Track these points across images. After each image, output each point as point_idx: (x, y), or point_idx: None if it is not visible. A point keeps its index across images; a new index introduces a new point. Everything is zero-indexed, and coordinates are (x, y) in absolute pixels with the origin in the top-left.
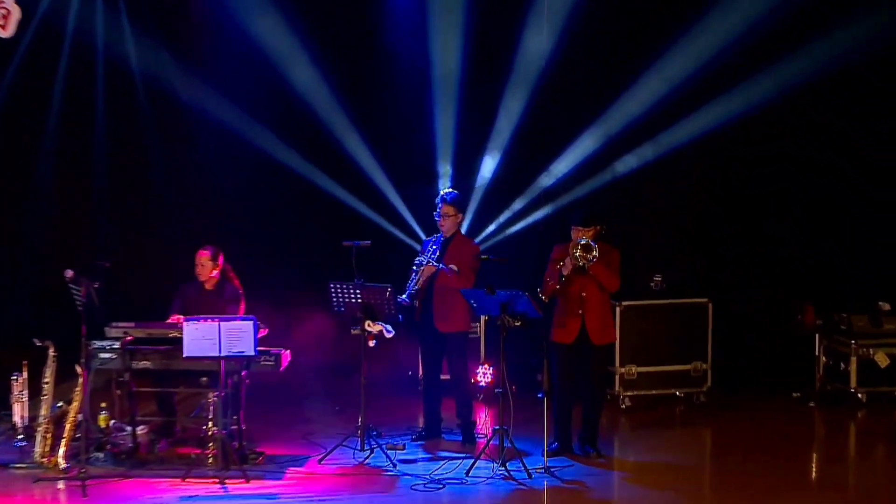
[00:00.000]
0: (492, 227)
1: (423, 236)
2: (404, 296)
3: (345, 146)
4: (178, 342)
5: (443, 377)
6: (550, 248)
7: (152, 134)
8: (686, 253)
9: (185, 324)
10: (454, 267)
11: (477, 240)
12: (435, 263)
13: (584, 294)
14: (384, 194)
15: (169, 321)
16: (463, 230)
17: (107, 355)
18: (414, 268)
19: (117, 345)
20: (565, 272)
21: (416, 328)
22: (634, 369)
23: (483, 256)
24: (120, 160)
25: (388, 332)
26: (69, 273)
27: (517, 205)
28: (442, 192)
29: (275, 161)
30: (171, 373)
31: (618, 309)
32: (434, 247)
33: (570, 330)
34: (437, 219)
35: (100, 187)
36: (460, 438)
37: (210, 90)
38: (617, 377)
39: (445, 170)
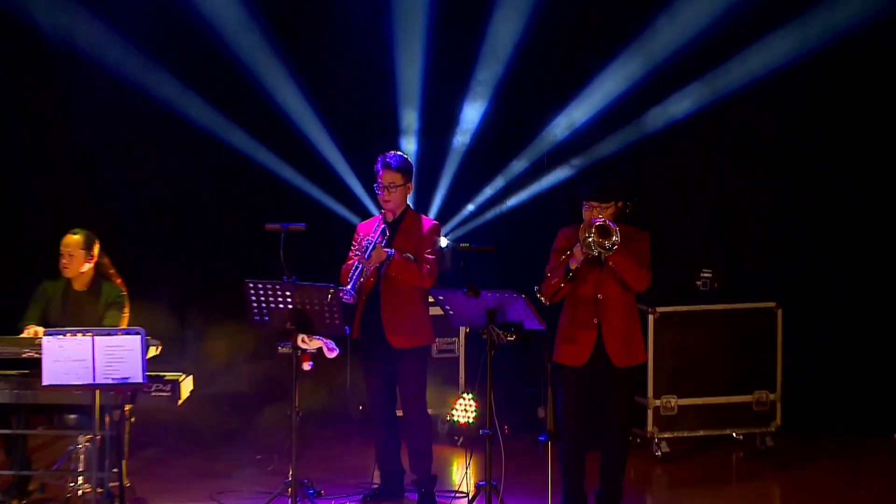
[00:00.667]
0: (472, 207)
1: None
2: (349, 287)
3: (272, 94)
4: (36, 364)
5: (401, 412)
6: (554, 232)
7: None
8: (747, 239)
9: (44, 338)
10: (409, 255)
11: (455, 222)
12: (387, 250)
13: (600, 296)
14: (326, 160)
15: (22, 335)
16: (435, 209)
17: None
18: (356, 256)
19: None
20: (574, 265)
21: (359, 346)
22: (674, 402)
23: (462, 244)
24: None
25: (331, 349)
26: None
27: (510, 172)
28: (382, 157)
29: (176, 117)
30: (25, 408)
31: (650, 317)
32: (373, 235)
33: (581, 347)
34: (378, 193)
35: None
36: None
37: (83, 15)
38: (649, 413)
39: (409, 123)
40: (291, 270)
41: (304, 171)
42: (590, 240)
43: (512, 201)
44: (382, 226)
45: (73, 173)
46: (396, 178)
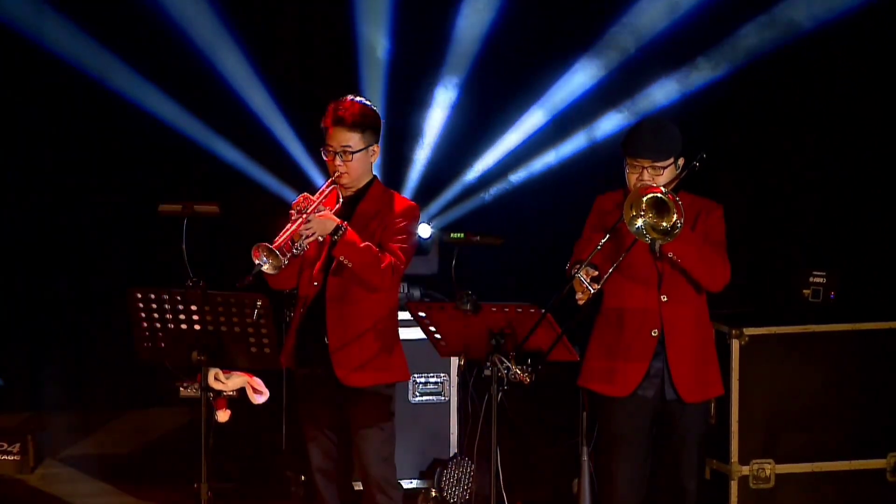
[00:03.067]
0: (469, 179)
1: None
2: (272, 245)
3: (189, 35)
4: None
5: (356, 485)
6: (585, 211)
7: None
8: (880, 230)
9: None
10: (368, 244)
11: (441, 202)
12: (335, 219)
13: (664, 297)
14: (261, 120)
15: None
16: (410, 186)
17: None
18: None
19: None
20: (615, 255)
21: (294, 382)
22: (769, 469)
23: (455, 235)
24: None
25: (259, 391)
26: None
27: (522, 128)
28: (333, 106)
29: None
30: None
31: (734, 344)
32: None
33: (627, 368)
34: (327, 159)
35: None
36: None
37: None
38: (733, 487)
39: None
40: (198, 274)
41: (231, 135)
42: (639, 221)
43: (522, 172)
44: (340, 199)
45: None
46: (353, 138)
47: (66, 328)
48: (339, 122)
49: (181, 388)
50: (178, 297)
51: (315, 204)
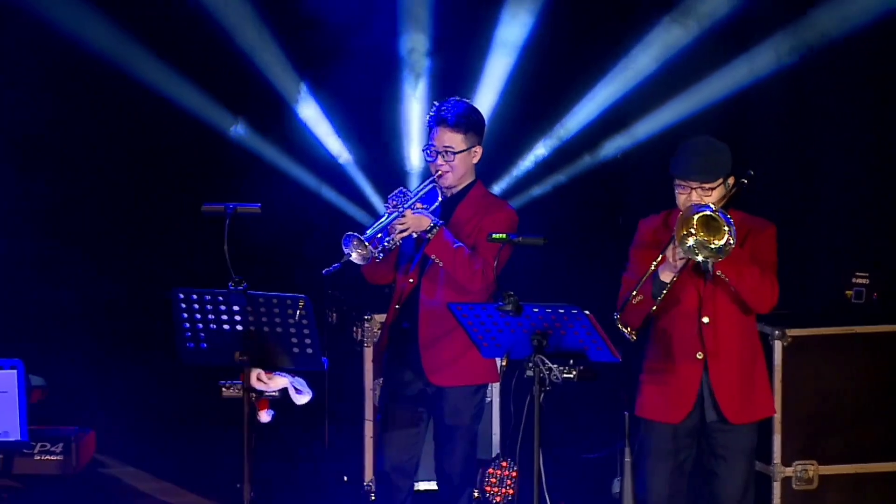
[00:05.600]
0: (513, 175)
1: (379, 206)
2: (363, 236)
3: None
4: None
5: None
6: (634, 222)
7: None
8: None
9: None
10: (462, 245)
11: None
12: (431, 217)
13: (706, 319)
14: (303, 121)
15: None
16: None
17: None
18: (386, 213)
19: None
20: (666, 277)
21: (385, 382)
22: (813, 470)
23: (496, 235)
24: None
25: (301, 392)
26: None
27: (563, 130)
28: (436, 107)
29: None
30: None
31: (777, 345)
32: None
33: (678, 394)
34: (428, 159)
35: None
36: None
37: None
38: (776, 487)
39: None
40: (240, 273)
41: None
42: (690, 241)
43: (565, 173)
44: (424, 203)
45: None
46: (455, 138)
47: (110, 328)
48: (442, 123)
49: (223, 389)
50: (221, 298)
51: (412, 200)
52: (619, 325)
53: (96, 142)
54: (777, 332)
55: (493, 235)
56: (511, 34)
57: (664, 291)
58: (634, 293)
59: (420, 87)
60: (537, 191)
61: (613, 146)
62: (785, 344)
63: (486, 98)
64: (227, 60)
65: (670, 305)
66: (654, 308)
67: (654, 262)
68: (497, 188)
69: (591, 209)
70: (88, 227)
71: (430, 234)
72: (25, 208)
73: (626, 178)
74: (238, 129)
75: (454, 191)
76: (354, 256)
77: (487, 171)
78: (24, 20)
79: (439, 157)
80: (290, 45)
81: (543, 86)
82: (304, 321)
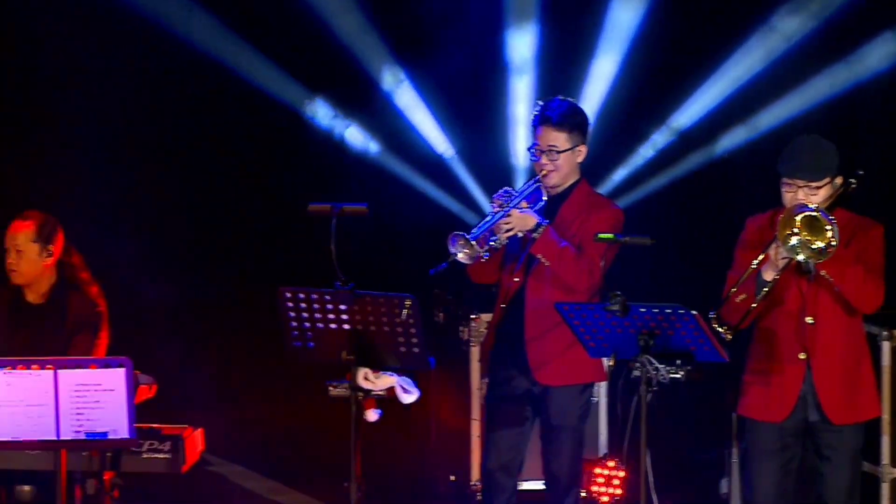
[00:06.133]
0: (621, 172)
1: (485, 204)
2: (469, 235)
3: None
4: None
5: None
6: (740, 221)
7: None
8: None
9: None
10: (568, 244)
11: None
12: (536, 216)
13: (809, 319)
14: (409, 122)
15: None
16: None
17: None
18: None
19: None
20: (768, 276)
21: (491, 382)
22: None
23: (602, 234)
24: None
25: (408, 391)
26: None
27: (681, 121)
28: (541, 106)
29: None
30: None
31: (885, 346)
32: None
33: (781, 393)
34: (533, 158)
35: None
36: None
37: None
38: (885, 489)
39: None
40: (347, 274)
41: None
42: (793, 240)
43: (678, 169)
44: (528, 201)
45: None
46: (560, 137)
47: (218, 327)
48: (547, 122)
49: (331, 388)
50: (328, 297)
51: (517, 199)
52: (715, 324)
53: (205, 141)
54: (885, 332)
55: (600, 235)
56: (621, 26)
57: (766, 290)
58: (735, 290)
59: (526, 82)
60: (649, 187)
61: (728, 141)
62: (893, 344)
63: (593, 94)
64: (339, 67)
65: (773, 305)
66: (755, 306)
67: (756, 261)
68: (607, 185)
69: (705, 206)
70: (196, 225)
71: (535, 234)
72: (134, 207)
73: (741, 174)
74: (347, 129)
75: (559, 190)
76: (461, 256)
77: (596, 168)
78: (122, 17)
79: (543, 156)
80: (395, 42)
81: (654, 79)
82: (411, 321)
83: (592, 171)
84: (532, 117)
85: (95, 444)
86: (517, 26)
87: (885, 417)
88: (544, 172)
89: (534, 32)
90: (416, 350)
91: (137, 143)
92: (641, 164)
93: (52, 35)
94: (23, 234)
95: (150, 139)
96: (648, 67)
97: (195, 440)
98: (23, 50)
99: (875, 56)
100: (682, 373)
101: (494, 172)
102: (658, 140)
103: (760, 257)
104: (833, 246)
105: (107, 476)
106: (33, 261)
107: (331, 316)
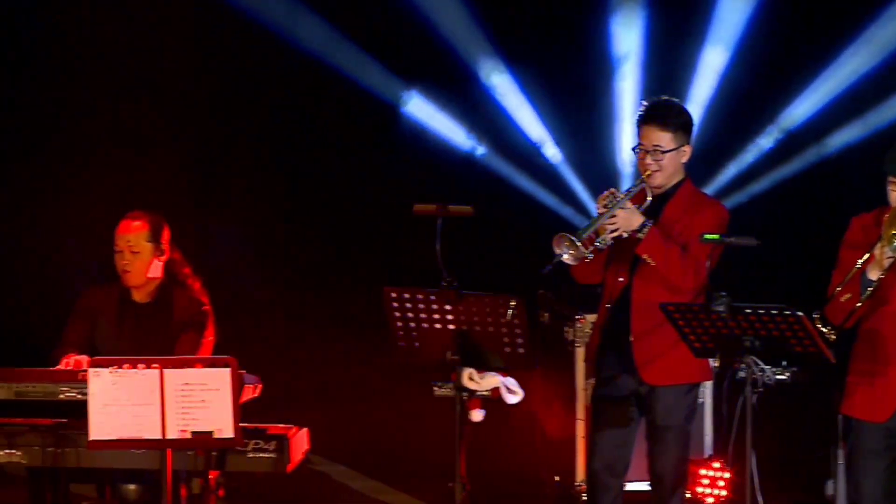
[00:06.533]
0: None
1: (591, 204)
2: (576, 238)
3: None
4: (78, 410)
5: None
6: (847, 221)
7: None
8: None
9: (90, 372)
10: (673, 244)
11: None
12: (642, 216)
13: None
14: (516, 123)
15: (59, 366)
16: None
17: None
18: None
19: None
20: (873, 275)
21: (597, 382)
22: None
23: (708, 235)
24: None
25: (512, 391)
26: None
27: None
28: (644, 106)
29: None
30: (64, 473)
31: None
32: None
33: (885, 393)
34: (637, 158)
35: None
36: None
37: None
38: None
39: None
40: (454, 275)
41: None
42: None
43: (786, 169)
44: (649, 196)
45: (119, 122)
46: (664, 137)
47: (323, 327)
48: (651, 121)
49: (435, 388)
50: (433, 298)
51: (622, 199)
52: (819, 324)
53: (310, 139)
54: None
55: (706, 236)
56: (729, 21)
57: (871, 290)
58: (840, 290)
59: (632, 81)
60: (756, 187)
61: (841, 139)
62: None
63: (700, 92)
64: (442, 63)
65: (878, 304)
66: (860, 306)
67: (861, 260)
68: (714, 185)
69: (812, 205)
70: (301, 224)
71: (641, 234)
72: (239, 206)
73: (851, 173)
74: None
75: (663, 190)
76: (566, 257)
77: (702, 167)
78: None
79: (648, 156)
80: (503, 41)
81: (763, 76)
82: (516, 321)
83: (698, 170)
84: (637, 117)
85: (201, 443)
86: (623, 23)
87: None
88: (649, 172)
89: (640, 29)
90: (520, 350)
91: (241, 141)
92: (749, 163)
93: (153, 33)
94: (135, 235)
95: (254, 137)
96: (757, 64)
97: (300, 440)
98: (123, 49)
99: None
100: (787, 374)
101: (599, 173)
102: (766, 139)
103: (865, 256)
104: None
105: (212, 475)
106: (147, 261)
107: (436, 316)
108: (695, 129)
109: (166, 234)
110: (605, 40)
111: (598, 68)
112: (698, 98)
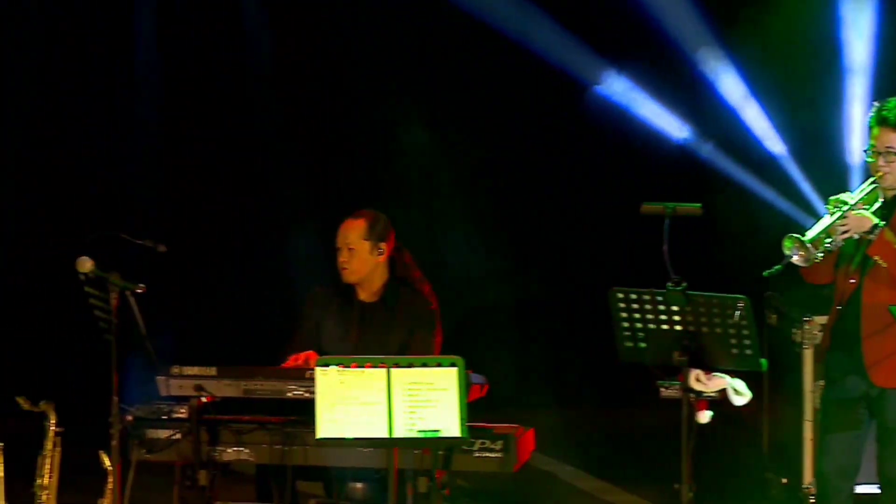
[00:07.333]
0: None
1: (819, 205)
2: (805, 238)
3: None
4: (305, 408)
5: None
6: None
7: None
8: None
9: (317, 370)
10: None
11: None
12: (873, 217)
13: None
14: (744, 124)
15: (287, 363)
16: None
17: (162, 434)
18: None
19: (183, 412)
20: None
21: (828, 382)
22: None
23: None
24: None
25: (740, 393)
26: (86, 264)
27: None
28: (877, 108)
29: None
30: (291, 471)
31: None
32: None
33: None
34: (869, 160)
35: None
36: None
37: None
38: None
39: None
40: (680, 274)
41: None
42: None
43: None
44: (881, 198)
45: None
46: None
47: (550, 327)
48: (883, 123)
49: (662, 389)
50: (660, 298)
51: (854, 201)
52: None
53: (537, 145)
54: None
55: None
56: None
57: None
58: None
59: (863, 83)
60: None
61: None
62: None
63: None
64: (679, 68)
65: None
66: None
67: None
68: None
69: None
70: (528, 226)
71: (872, 235)
72: (470, 209)
73: None
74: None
75: (895, 192)
76: (796, 258)
77: None
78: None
79: (880, 157)
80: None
81: None
82: (744, 322)
83: None
84: (868, 119)
85: (427, 442)
86: (854, 27)
87: None
88: (880, 174)
89: (871, 33)
90: (748, 352)
91: (475, 151)
92: None
93: (363, 32)
94: (354, 232)
95: (488, 146)
96: None
97: (527, 440)
98: (334, 52)
99: None
100: None
101: (829, 174)
102: None
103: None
104: None
105: (438, 474)
106: (364, 259)
107: (662, 316)
108: None
109: (390, 235)
110: (838, 45)
111: (829, 71)
112: None
